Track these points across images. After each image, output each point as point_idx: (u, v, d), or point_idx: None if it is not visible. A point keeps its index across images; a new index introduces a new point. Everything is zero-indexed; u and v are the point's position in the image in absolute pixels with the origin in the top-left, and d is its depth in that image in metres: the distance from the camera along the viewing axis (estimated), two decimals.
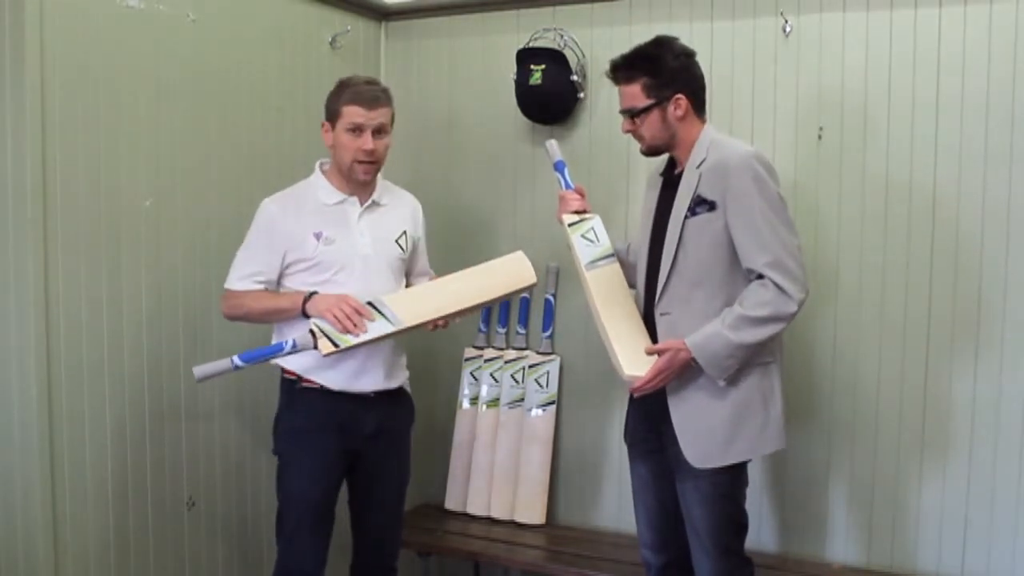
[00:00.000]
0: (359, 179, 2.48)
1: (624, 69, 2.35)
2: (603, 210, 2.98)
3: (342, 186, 2.50)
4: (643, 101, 2.32)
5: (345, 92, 2.45)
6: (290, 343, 2.36)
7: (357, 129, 2.42)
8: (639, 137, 2.39)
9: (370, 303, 2.39)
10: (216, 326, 2.54)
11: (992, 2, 2.60)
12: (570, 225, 2.50)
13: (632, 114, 2.35)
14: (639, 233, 2.49)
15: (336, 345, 2.35)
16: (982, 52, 2.62)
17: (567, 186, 2.59)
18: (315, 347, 2.35)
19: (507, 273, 2.56)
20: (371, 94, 2.44)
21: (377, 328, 2.38)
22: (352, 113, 2.42)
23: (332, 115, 2.47)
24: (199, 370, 2.35)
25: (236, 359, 2.34)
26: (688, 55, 2.36)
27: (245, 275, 2.45)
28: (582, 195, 2.57)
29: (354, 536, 2.67)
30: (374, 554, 2.66)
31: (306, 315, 2.38)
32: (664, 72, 2.31)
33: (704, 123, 2.38)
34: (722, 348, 2.19)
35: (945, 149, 2.68)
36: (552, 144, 2.67)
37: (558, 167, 2.62)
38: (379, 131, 2.45)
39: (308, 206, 2.48)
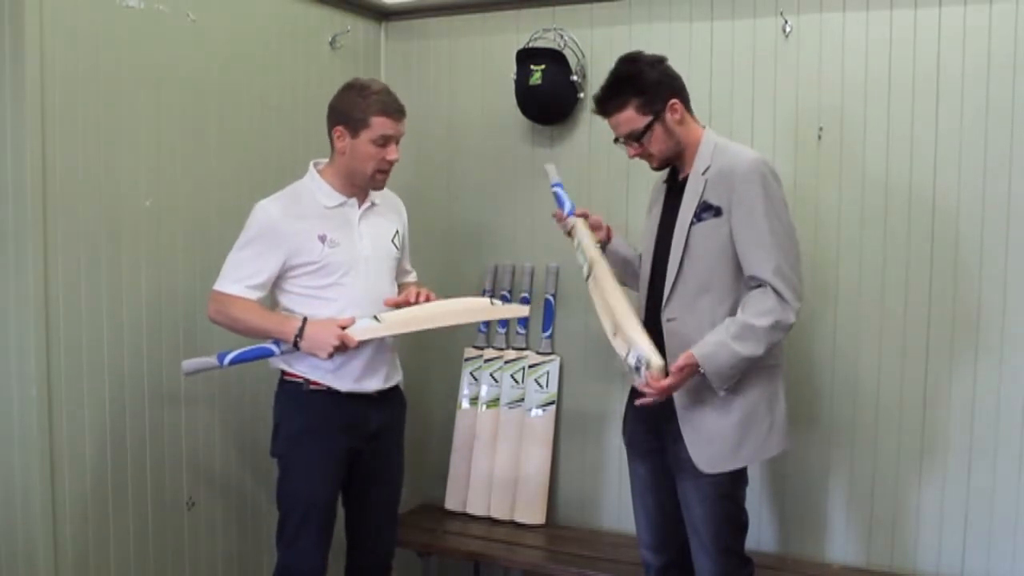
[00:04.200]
0: (376, 187, 2.50)
1: (612, 98, 2.32)
2: (603, 211, 2.99)
3: (342, 188, 2.49)
4: (642, 121, 2.30)
5: (371, 102, 2.40)
6: (278, 350, 2.42)
7: (385, 141, 2.42)
8: (649, 156, 2.36)
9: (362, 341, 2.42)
10: (215, 326, 2.53)
11: (992, 2, 2.60)
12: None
13: (636, 137, 2.33)
14: (643, 241, 2.49)
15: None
16: (982, 52, 2.62)
17: (560, 205, 2.57)
18: (296, 349, 2.41)
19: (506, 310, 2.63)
20: (397, 105, 2.44)
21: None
22: (382, 125, 2.40)
23: (356, 124, 2.40)
24: (188, 364, 2.45)
25: (223, 358, 2.42)
26: (662, 61, 2.35)
27: (240, 278, 2.39)
28: (560, 218, 2.55)
29: (349, 536, 2.67)
30: (370, 554, 2.66)
31: (296, 348, 2.38)
32: (650, 85, 2.29)
33: (700, 125, 2.38)
34: (727, 359, 2.19)
35: (945, 149, 2.68)
36: (551, 169, 2.66)
37: (557, 197, 2.60)
38: (399, 140, 2.46)
39: (309, 208, 2.46)
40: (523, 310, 2.69)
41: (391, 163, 2.45)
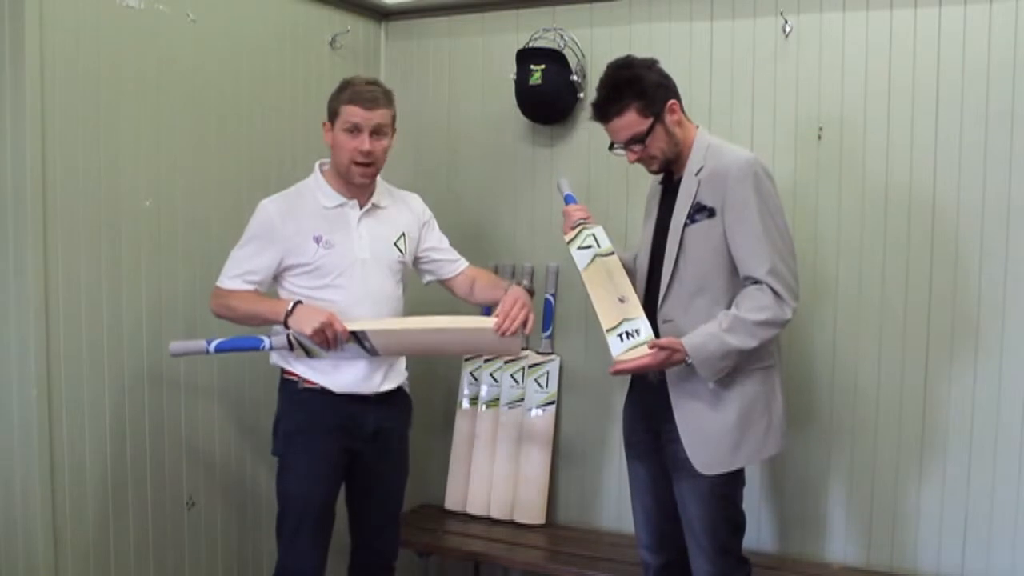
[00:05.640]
0: (356, 181, 2.46)
1: (613, 102, 2.30)
2: (603, 210, 3.00)
3: (341, 189, 2.49)
4: (644, 124, 2.29)
5: (345, 91, 2.43)
6: (267, 343, 2.42)
7: (355, 129, 2.40)
8: (650, 159, 2.35)
9: (354, 333, 2.36)
10: (215, 325, 2.54)
11: (992, 2, 2.60)
12: (568, 241, 2.48)
13: (639, 140, 2.31)
14: (640, 242, 2.49)
15: (309, 356, 2.43)
16: (982, 52, 2.61)
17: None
18: (290, 350, 2.41)
19: (499, 342, 2.48)
20: (370, 94, 2.42)
21: (352, 352, 2.42)
22: (350, 113, 2.40)
23: (331, 114, 2.45)
24: (175, 346, 2.46)
25: (211, 344, 2.41)
26: (655, 63, 2.34)
27: (237, 274, 2.43)
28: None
29: (352, 536, 2.67)
30: (372, 554, 2.66)
31: (286, 326, 2.37)
32: (650, 88, 2.28)
33: (694, 125, 2.38)
34: (717, 350, 2.19)
35: (945, 149, 2.68)
36: (564, 183, 2.65)
37: (568, 200, 2.58)
38: (377, 132, 2.42)
39: (308, 209, 2.46)
40: (516, 346, 2.51)
41: (366, 154, 2.40)
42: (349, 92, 2.42)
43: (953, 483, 2.72)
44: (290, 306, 2.37)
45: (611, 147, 2.39)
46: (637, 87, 2.28)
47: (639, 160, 2.36)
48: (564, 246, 2.54)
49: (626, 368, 2.28)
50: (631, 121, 2.29)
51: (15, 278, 2.34)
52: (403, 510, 2.78)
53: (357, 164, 2.42)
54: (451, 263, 2.71)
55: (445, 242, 2.72)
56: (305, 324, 2.32)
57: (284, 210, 2.44)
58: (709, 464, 2.28)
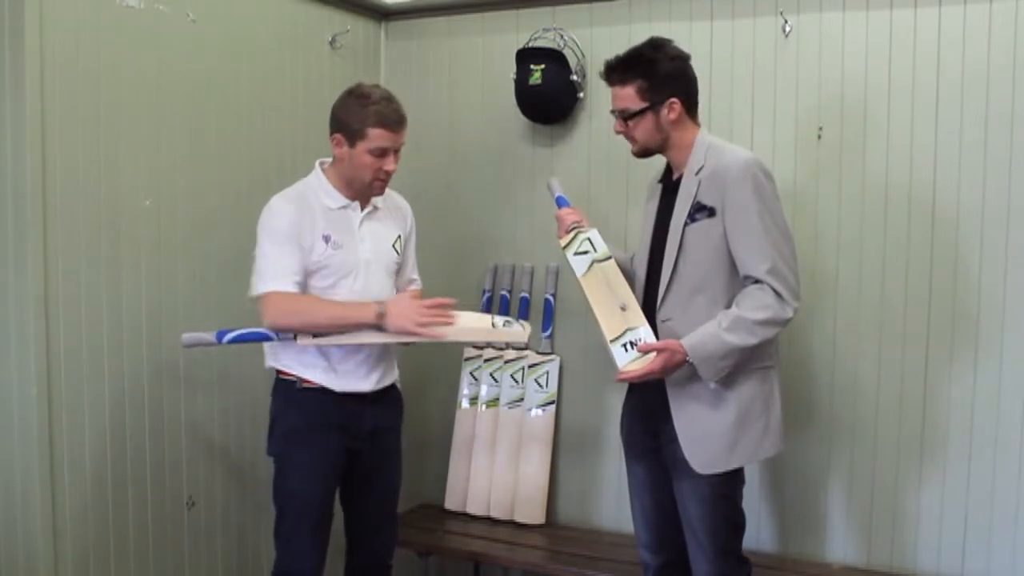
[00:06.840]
0: (375, 194, 2.49)
1: (619, 71, 2.33)
2: (603, 210, 3.00)
3: (344, 190, 2.48)
4: (637, 104, 2.31)
5: (369, 113, 2.36)
6: (275, 337, 2.42)
7: (382, 152, 2.39)
8: (631, 139, 2.37)
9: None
10: (215, 325, 2.54)
11: (992, 2, 2.60)
12: (564, 247, 2.47)
13: (625, 116, 2.34)
14: (640, 241, 2.49)
15: (314, 336, 2.42)
16: (982, 52, 2.61)
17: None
18: (294, 338, 2.40)
19: (506, 334, 2.55)
20: (397, 116, 2.39)
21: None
22: (379, 137, 2.37)
23: (353, 134, 2.37)
24: (187, 337, 2.46)
25: (223, 336, 2.42)
26: (683, 58, 2.35)
27: (285, 275, 2.35)
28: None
29: (348, 535, 2.66)
30: (370, 553, 2.66)
31: (380, 328, 2.36)
32: (659, 75, 2.29)
33: (698, 126, 2.38)
34: (717, 349, 2.19)
35: (945, 149, 2.68)
36: (554, 183, 2.65)
37: (559, 202, 2.59)
38: (398, 150, 2.44)
39: (315, 208, 2.45)
40: (522, 336, 2.55)
41: (389, 173, 2.44)
42: (374, 114, 2.36)
43: (953, 483, 2.72)
44: (380, 307, 2.35)
45: (612, 111, 2.40)
46: (648, 69, 2.29)
47: (622, 134, 2.38)
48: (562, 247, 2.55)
49: (631, 377, 2.28)
50: (628, 95, 2.32)
51: (15, 278, 2.34)
52: (402, 510, 2.78)
53: (379, 180, 2.44)
54: (410, 283, 2.70)
55: (413, 259, 2.71)
56: (400, 318, 2.34)
57: (299, 208, 2.43)
58: (705, 464, 2.28)
